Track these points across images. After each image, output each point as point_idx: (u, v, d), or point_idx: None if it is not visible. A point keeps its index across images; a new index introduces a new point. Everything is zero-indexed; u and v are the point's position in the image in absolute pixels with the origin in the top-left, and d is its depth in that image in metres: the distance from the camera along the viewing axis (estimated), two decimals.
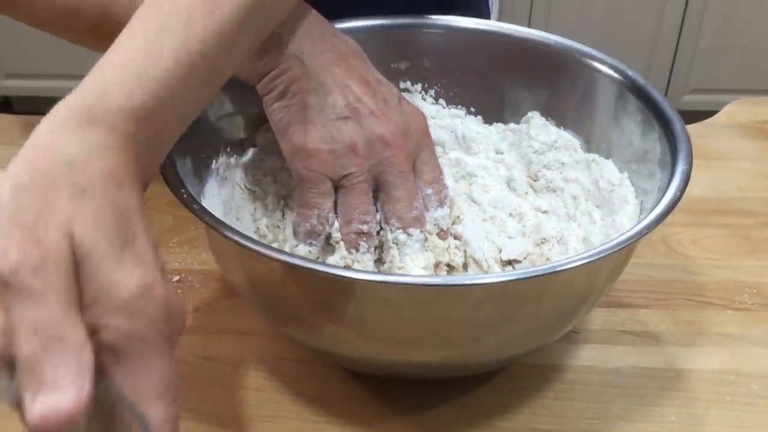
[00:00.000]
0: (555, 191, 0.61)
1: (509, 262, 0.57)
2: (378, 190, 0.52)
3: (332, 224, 0.52)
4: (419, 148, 0.53)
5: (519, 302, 0.46)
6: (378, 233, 0.53)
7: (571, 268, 0.43)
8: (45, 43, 1.66)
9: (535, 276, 0.43)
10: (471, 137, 0.63)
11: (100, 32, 0.52)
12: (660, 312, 0.60)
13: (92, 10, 0.53)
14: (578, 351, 0.57)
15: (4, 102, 2.10)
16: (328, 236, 0.52)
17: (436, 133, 0.65)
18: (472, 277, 0.47)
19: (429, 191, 0.53)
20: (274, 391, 0.54)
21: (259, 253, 0.44)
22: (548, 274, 0.43)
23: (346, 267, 0.51)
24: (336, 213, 0.52)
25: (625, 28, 1.91)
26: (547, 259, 0.57)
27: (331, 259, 0.52)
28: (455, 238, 0.57)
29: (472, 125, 0.64)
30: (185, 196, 0.47)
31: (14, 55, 1.96)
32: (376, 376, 0.54)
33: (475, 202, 0.61)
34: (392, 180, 0.51)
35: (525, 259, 0.57)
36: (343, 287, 0.44)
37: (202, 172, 0.55)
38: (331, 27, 0.53)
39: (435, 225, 0.54)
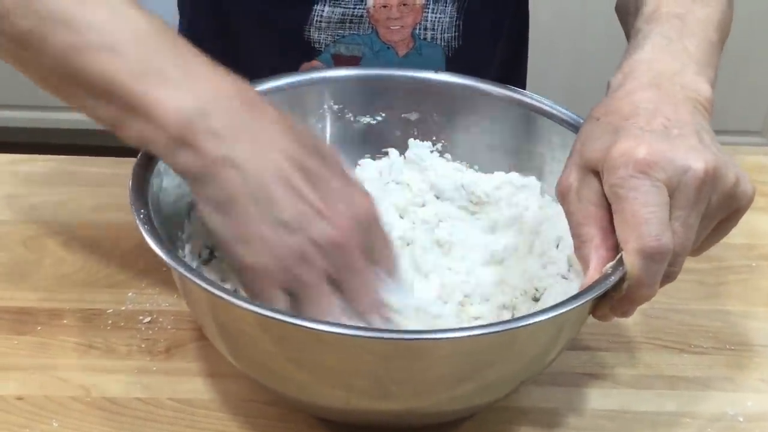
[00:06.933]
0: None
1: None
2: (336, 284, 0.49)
3: None
4: (371, 238, 0.49)
5: (488, 354, 0.48)
6: None
7: (536, 322, 0.46)
8: None
9: (503, 330, 0.46)
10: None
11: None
12: (619, 354, 0.62)
13: None
14: (541, 393, 0.59)
15: None
16: None
17: (441, 182, 0.65)
18: (438, 331, 0.49)
19: (383, 275, 0.50)
20: None
21: (231, 303, 0.45)
22: (513, 329, 0.46)
23: (316, 320, 0.51)
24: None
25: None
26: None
27: None
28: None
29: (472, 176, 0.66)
30: (159, 244, 0.48)
31: None
32: (343, 422, 0.55)
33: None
34: (348, 277, 0.48)
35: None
36: (315, 340, 0.45)
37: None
38: (273, 112, 0.50)
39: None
